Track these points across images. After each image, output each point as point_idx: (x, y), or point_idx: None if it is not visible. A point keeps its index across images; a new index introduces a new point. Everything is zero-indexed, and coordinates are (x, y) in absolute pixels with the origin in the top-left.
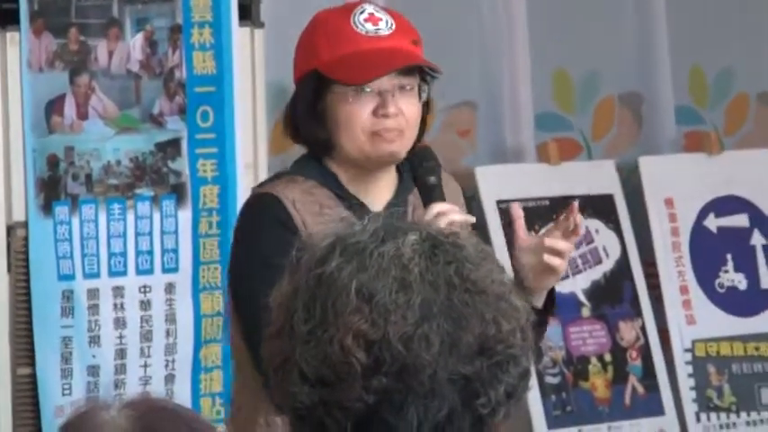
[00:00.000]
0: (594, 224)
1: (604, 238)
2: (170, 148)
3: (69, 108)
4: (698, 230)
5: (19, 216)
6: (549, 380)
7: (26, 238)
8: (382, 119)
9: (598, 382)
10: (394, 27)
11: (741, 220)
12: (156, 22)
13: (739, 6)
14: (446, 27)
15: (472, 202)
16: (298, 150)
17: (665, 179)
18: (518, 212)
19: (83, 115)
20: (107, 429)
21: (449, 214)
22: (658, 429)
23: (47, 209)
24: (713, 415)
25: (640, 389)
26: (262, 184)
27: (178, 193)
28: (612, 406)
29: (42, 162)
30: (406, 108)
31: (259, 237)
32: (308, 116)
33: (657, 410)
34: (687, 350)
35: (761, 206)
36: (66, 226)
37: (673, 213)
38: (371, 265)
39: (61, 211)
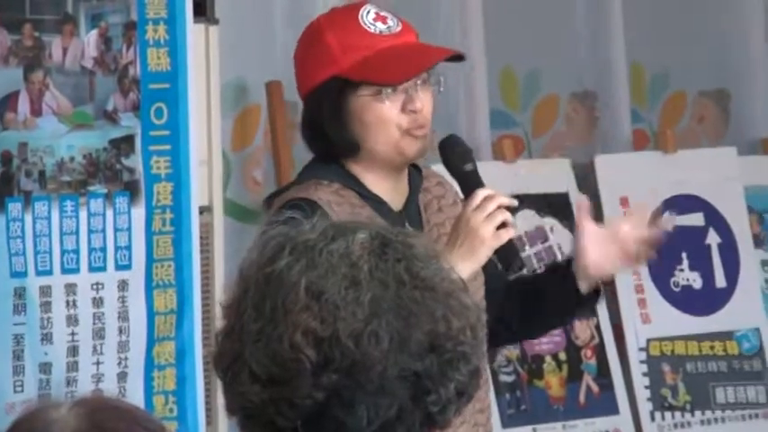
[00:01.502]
0: (550, 222)
1: (559, 236)
2: (124, 144)
3: (23, 104)
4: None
5: None
6: (504, 378)
7: None
8: (411, 115)
9: (553, 381)
10: (401, 24)
11: (696, 219)
12: (110, 18)
13: (679, 7)
14: None
15: None
16: (256, 147)
17: (620, 178)
18: (584, 204)
19: (36, 111)
20: (57, 428)
21: (496, 198)
22: (613, 428)
23: None
24: (668, 414)
25: (595, 387)
26: (282, 192)
27: (131, 190)
28: (567, 405)
29: None
30: (427, 102)
31: None
32: (336, 122)
33: (612, 409)
34: (642, 349)
35: (716, 205)
36: (18, 223)
37: (628, 212)
38: (321, 263)
39: (14, 207)
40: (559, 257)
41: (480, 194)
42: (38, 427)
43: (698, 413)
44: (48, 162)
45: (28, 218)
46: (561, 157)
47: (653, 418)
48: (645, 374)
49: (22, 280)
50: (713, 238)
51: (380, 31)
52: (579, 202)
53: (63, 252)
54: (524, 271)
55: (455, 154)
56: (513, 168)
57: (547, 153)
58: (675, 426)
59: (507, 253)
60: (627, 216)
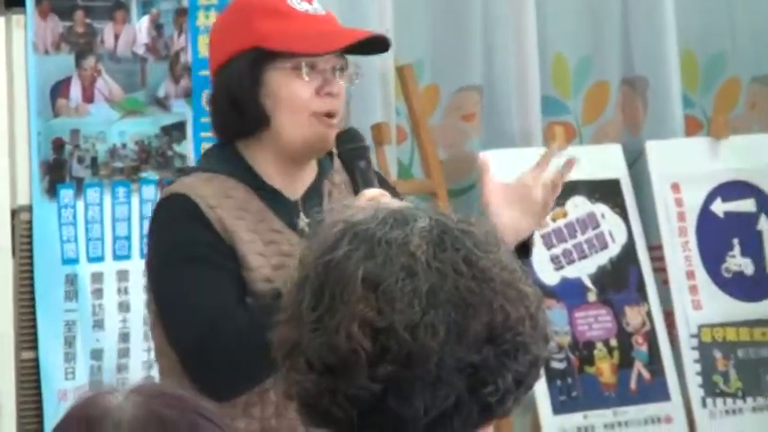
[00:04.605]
0: (601, 209)
1: (610, 222)
2: (175, 131)
3: (75, 91)
4: (704, 215)
5: (23, 199)
6: (555, 365)
7: (30, 222)
8: (326, 98)
9: (604, 368)
10: (324, 10)
11: (748, 205)
12: (161, 4)
13: None
14: (449, 10)
15: (476, 186)
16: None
17: (671, 164)
18: (487, 164)
19: (88, 98)
20: (114, 415)
21: (380, 200)
22: (664, 415)
23: (51, 192)
24: (719, 400)
25: (646, 374)
26: (171, 182)
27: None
28: (618, 391)
29: (47, 145)
30: (341, 91)
31: (176, 235)
32: (250, 92)
33: (663, 396)
34: (693, 335)
35: None
36: (70, 209)
37: (679, 198)
38: (379, 252)
39: (66, 194)
40: (610, 244)
41: (366, 195)
42: (95, 415)
43: (750, 399)
44: (100, 149)
45: (80, 204)
46: (612, 143)
47: (704, 405)
48: (696, 361)
49: (73, 266)
50: (765, 225)
51: (306, 10)
52: (481, 160)
53: (115, 239)
54: None
55: (350, 149)
56: (564, 154)
57: (598, 139)
58: (727, 412)
59: None
60: (531, 168)
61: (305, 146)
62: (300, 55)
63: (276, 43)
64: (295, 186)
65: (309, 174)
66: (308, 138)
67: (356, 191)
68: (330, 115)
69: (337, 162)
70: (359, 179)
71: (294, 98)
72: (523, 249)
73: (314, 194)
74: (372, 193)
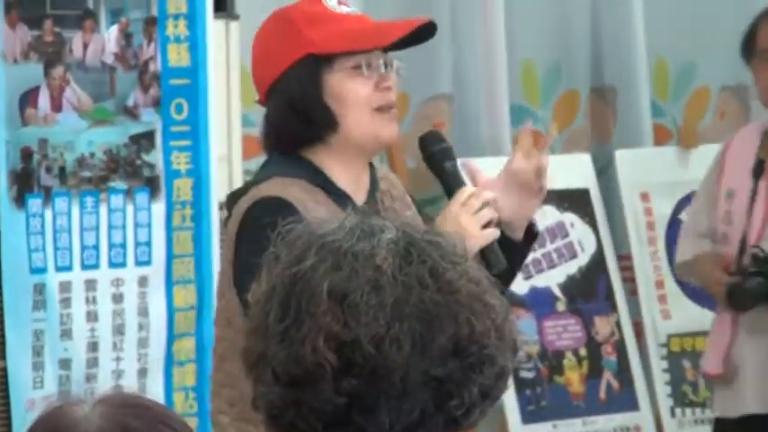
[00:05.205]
0: (570, 218)
1: (580, 232)
2: (144, 140)
3: (44, 100)
4: (674, 225)
5: None
6: (524, 374)
7: None
8: (384, 92)
9: (573, 377)
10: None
11: None
12: (131, 13)
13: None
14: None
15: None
16: None
17: (641, 173)
18: (474, 168)
19: (57, 107)
20: (80, 426)
21: (481, 196)
22: (633, 424)
23: (19, 201)
24: (688, 410)
25: (615, 384)
26: (246, 190)
27: (152, 185)
28: (587, 401)
29: (15, 154)
30: (395, 84)
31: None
32: (317, 96)
33: (632, 405)
34: (662, 345)
35: None
36: (38, 218)
37: (648, 207)
38: (345, 265)
39: (34, 203)
40: (579, 253)
41: (467, 192)
42: (62, 426)
43: None
44: (68, 158)
45: (48, 214)
46: (581, 153)
47: (673, 415)
48: (665, 371)
49: (41, 276)
50: None
51: (347, 12)
52: (469, 169)
53: (83, 248)
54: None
55: (437, 150)
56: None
57: (567, 148)
58: (696, 422)
59: (491, 252)
60: (515, 151)
61: (374, 141)
62: (359, 52)
63: (332, 46)
64: (359, 191)
65: (366, 181)
66: (376, 132)
67: (448, 193)
68: (390, 107)
69: (380, 171)
70: (449, 180)
71: (357, 96)
72: (527, 235)
73: (371, 200)
74: (471, 191)
